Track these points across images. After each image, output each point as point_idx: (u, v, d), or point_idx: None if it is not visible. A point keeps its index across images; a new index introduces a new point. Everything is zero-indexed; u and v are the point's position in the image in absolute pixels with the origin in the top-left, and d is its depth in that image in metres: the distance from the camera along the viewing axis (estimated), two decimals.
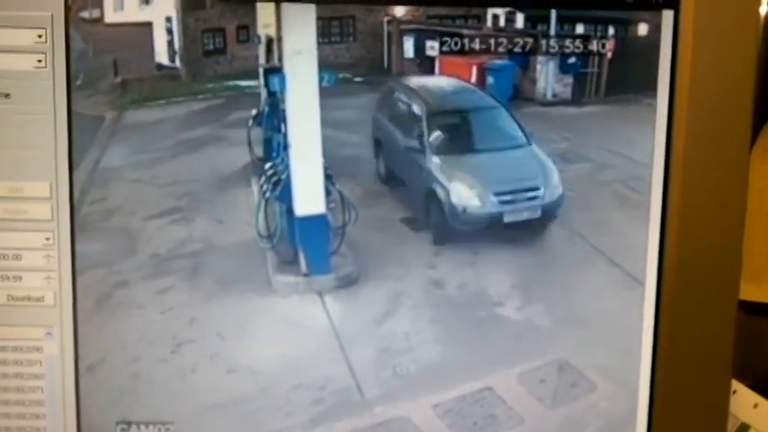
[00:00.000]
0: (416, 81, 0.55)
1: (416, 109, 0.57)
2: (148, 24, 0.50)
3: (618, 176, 0.53)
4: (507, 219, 0.56)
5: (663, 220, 0.50)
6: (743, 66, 0.49)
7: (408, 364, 0.52)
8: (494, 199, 0.56)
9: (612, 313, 0.52)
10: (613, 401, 0.52)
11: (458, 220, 0.56)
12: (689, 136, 0.49)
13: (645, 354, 0.51)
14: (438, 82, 0.56)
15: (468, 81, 0.54)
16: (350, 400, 0.52)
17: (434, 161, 0.56)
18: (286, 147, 0.53)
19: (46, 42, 0.48)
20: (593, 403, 0.53)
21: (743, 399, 0.59)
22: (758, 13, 0.51)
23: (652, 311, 0.51)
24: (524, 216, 0.56)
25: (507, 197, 0.56)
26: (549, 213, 0.56)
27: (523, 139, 0.56)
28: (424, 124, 0.57)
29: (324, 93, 0.51)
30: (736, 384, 0.58)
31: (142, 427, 0.52)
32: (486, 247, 0.55)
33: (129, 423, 0.52)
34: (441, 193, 0.56)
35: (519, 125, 0.56)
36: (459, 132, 0.57)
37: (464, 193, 0.55)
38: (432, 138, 0.57)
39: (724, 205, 0.49)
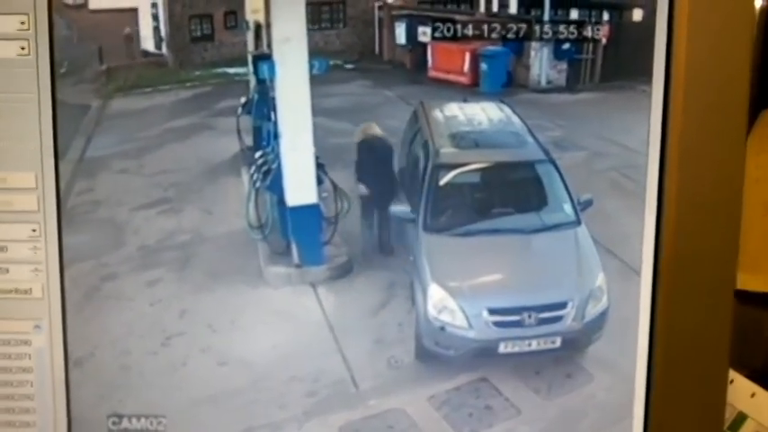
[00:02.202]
0: (444, 108, 0.40)
1: (424, 155, 0.42)
2: (134, 10, 0.49)
3: (613, 164, 0.52)
4: (504, 349, 0.39)
5: (659, 209, 0.50)
6: (739, 52, 0.48)
7: (403, 356, 0.52)
8: (487, 318, 0.38)
9: (609, 303, 0.52)
10: (610, 391, 0.52)
11: (431, 340, 0.40)
12: (685, 123, 0.48)
13: (642, 344, 0.51)
14: (474, 113, 0.41)
15: (515, 113, 0.37)
16: (344, 392, 0.51)
17: (423, 239, 0.39)
18: (276, 135, 0.53)
19: (29, 29, 0.47)
20: (591, 394, 0.52)
21: (740, 388, 0.59)
22: None
23: (648, 301, 0.50)
24: (533, 347, 0.39)
25: (509, 317, 0.38)
26: (574, 345, 0.38)
27: (571, 215, 0.38)
28: (425, 182, 0.41)
29: (314, 80, 0.50)
30: (733, 374, 0.58)
31: (134, 420, 0.51)
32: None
33: (120, 416, 0.51)
34: (418, 295, 0.39)
35: (569, 192, 0.38)
36: (472, 199, 0.40)
37: (444, 304, 0.38)
38: (426, 204, 0.38)
39: (720, 194, 0.49)
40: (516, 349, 0.41)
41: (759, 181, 0.61)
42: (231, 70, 0.51)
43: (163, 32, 0.50)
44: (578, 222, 0.41)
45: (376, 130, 0.41)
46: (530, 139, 0.45)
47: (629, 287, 0.50)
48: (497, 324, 0.41)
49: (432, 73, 0.52)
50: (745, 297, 0.59)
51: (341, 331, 0.52)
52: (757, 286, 0.62)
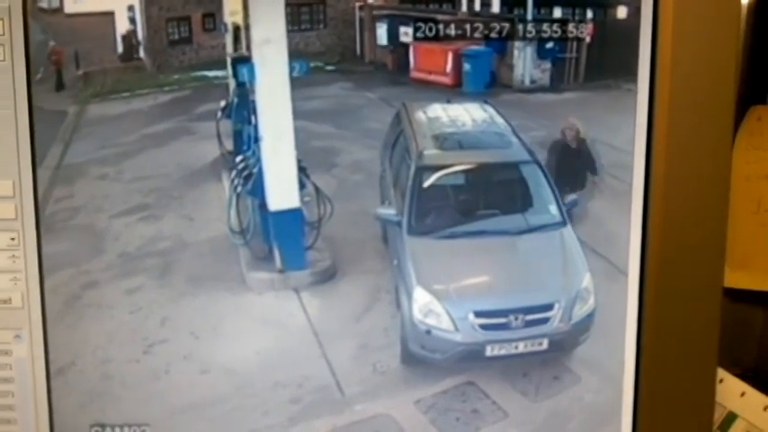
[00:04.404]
0: (428, 109, 0.40)
1: (408, 157, 0.42)
2: (110, 14, 0.49)
3: (599, 164, 0.51)
4: (491, 352, 0.39)
5: (645, 209, 0.49)
6: (725, 48, 0.47)
7: (388, 360, 0.51)
8: (474, 321, 0.38)
9: (597, 304, 0.51)
10: (598, 393, 0.51)
11: (418, 344, 0.40)
12: (671, 122, 0.48)
13: (629, 345, 0.50)
14: (457, 114, 0.40)
15: (497, 112, 0.37)
16: (329, 398, 0.51)
17: (408, 242, 0.39)
18: (257, 139, 0.52)
19: (3, 34, 0.46)
20: (578, 396, 0.52)
21: (730, 387, 0.58)
22: None
23: (636, 302, 0.50)
24: (519, 349, 0.39)
25: (496, 320, 0.38)
26: (561, 346, 0.38)
27: (556, 216, 0.38)
28: (408, 183, 0.41)
29: (295, 82, 0.49)
30: (722, 373, 0.58)
31: (117, 429, 0.51)
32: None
33: (103, 426, 0.51)
34: (403, 298, 0.39)
35: (554, 192, 0.38)
36: (457, 200, 0.39)
37: (430, 308, 0.38)
38: (410, 207, 0.37)
39: (707, 192, 0.48)
40: (503, 352, 0.41)
41: (749, 178, 0.60)
42: (210, 73, 0.51)
43: (140, 36, 0.50)
44: (564, 223, 0.41)
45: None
46: (514, 140, 0.46)
47: (616, 288, 0.50)
48: (484, 327, 0.41)
49: (414, 74, 0.51)
50: (735, 295, 0.59)
51: (325, 336, 0.51)
52: (748, 284, 0.61)
